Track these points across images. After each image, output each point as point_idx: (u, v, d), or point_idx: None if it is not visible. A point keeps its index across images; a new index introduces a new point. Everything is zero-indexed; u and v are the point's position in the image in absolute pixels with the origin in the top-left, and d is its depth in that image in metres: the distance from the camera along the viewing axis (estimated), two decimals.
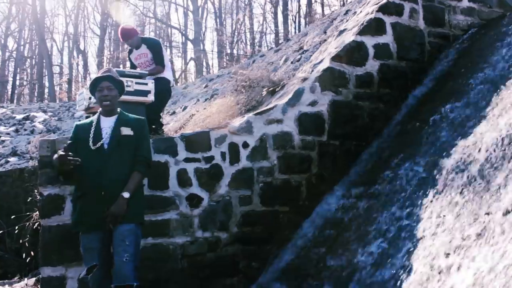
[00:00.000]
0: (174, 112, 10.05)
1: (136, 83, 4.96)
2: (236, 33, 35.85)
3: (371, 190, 4.23)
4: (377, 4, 5.53)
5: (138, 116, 3.72)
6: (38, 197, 4.19)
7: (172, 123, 8.24)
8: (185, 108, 10.19)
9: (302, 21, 31.45)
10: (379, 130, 5.08)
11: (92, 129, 3.43)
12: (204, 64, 33.74)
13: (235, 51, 34.18)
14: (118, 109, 3.60)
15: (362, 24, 5.27)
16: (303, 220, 4.58)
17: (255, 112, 4.68)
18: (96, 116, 3.58)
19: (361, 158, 4.89)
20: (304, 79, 4.98)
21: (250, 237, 4.44)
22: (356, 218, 4.04)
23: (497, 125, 3.50)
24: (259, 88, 6.03)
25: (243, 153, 4.49)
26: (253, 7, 36.35)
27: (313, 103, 4.81)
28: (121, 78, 3.79)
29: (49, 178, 4.01)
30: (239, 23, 35.64)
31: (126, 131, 3.43)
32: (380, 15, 5.33)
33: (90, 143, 3.35)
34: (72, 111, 15.04)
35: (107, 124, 3.48)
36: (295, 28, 31.65)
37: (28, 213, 5.65)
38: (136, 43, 5.66)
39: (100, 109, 3.59)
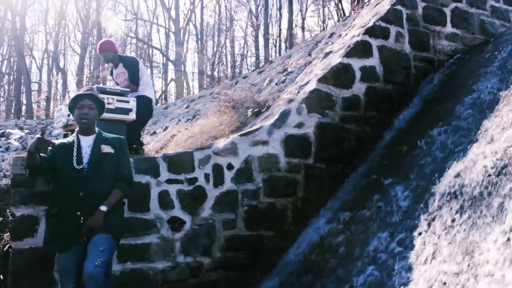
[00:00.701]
0: (154, 132, 9.87)
1: (118, 100, 4.82)
2: (217, 55, 35.96)
3: (359, 215, 4.11)
4: (363, 27, 5.51)
5: (116, 135, 3.67)
6: (10, 217, 3.97)
7: (153, 143, 8.07)
8: (166, 128, 10.02)
9: (283, 45, 31.79)
10: (365, 153, 5.01)
11: (75, 148, 3.37)
12: (185, 85, 33.67)
13: (215, 73, 34.22)
14: (96, 129, 3.55)
15: (349, 46, 5.23)
16: (288, 245, 4.44)
17: (240, 133, 4.56)
18: (74, 135, 3.51)
19: (348, 182, 4.79)
20: (290, 101, 4.90)
21: (233, 263, 4.27)
22: (345, 244, 3.91)
23: (489, 151, 3.44)
24: (243, 109, 5.93)
25: (228, 175, 4.36)
26: (234, 30, 36.61)
27: (299, 125, 4.71)
28: (103, 95, 3.73)
29: (23, 197, 3.79)
30: (220, 46, 35.78)
31: (106, 149, 3.40)
32: (366, 37, 5.31)
33: (74, 163, 3.29)
34: (50, 128, 14.70)
35: (86, 143, 3.43)
36: (275, 52, 31.90)
37: None
38: (111, 59, 5.57)
39: (77, 128, 3.53)
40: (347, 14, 23.06)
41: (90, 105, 3.44)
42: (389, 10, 5.55)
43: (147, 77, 5.57)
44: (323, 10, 30.09)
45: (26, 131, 14.34)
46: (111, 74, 5.79)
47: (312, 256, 4.16)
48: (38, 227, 3.76)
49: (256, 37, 34.29)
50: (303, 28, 30.90)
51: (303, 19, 31.28)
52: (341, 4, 23.82)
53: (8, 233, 5.25)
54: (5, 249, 5.30)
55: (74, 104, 3.48)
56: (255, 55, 34.08)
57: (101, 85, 5.61)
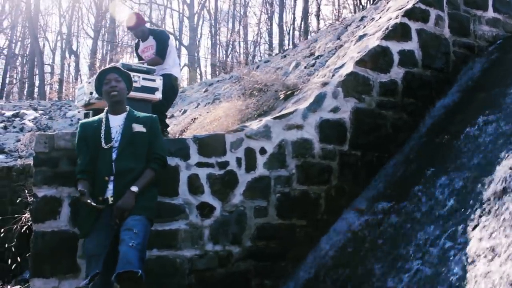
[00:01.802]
0: (172, 116, 9.64)
1: (143, 78, 4.60)
2: (230, 42, 35.62)
3: (399, 206, 3.87)
4: (401, 9, 5.22)
5: (148, 114, 3.51)
6: (31, 198, 3.78)
7: (172, 126, 7.84)
8: (184, 111, 9.78)
9: (297, 33, 31.37)
10: (402, 142, 4.75)
11: (103, 126, 3.22)
12: (198, 70, 33.42)
13: (229, 60, 33.91)
14: (127, 107, 3.38)
15: (387, 28, 4.94)
16: (321, 236, 4.21)
17: (273, 116, 4.31)
18: (103, 114, 3.36)
19: (384, 171, 4.53)
20: (324, 84, 4.63)
21: (264, 252, 4.05)
22: (385, 236, 3.67)
23: None
24: (271, 92, 5.67)
25: (260, 159, 4.11)
26: (248, 17, 36.23)
27: (335, 110, 4.45)
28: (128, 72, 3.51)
29: (46, 177, 3.60)
30: (234, 32, 35.42)
31: (138, 127, 3.23)
32: (405, 20, 5.01)
33: (102, 142, 3.15)
34: (64, 110, 14.55)
35: (116, 122, 3.27)
36: (288, 40, 31.52)
37: (15, 215, 5.24)
38: (141, 34, 5.29)
39: (107, 108, 3.38)
40: (363, 3, 22.70)
41: (116, 78, 3.30)
42: None
43: (175, 55, 5.31)
44: None
45: (40, 112, 14.21)
46: (136, 48, 5.52)
47: (348, 248, 3.92)
48: (61, 209, 3.57)
49: (270, 24, 33.94)
50: (317, 16, 30.50)
51: (318, 7, 30.85)
52: None
53: (26, 215, 5.10)
54: (22, 230, 5.15)
55: (100, 81, 3.35)
56: (268, 42, 33.74)
57: (126, 61, 5.39)
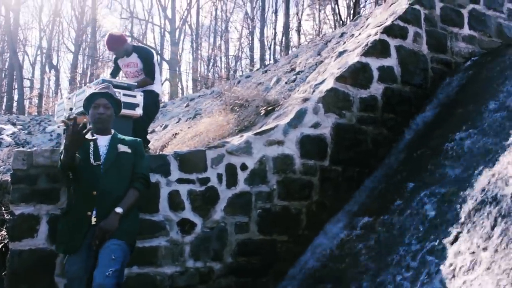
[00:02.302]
0: (153, 131, 9.58)
1: (124, 94, 4.56)
2: (212, 57, 35.73)
3: (380, 220, 3.89)
4: (380, 26, 5.31)
5: (133, 138, 3.50)
6: (7, 216, 3.70)
7: (152, 141, 7.79)
8: (165, 126, 9.73)
9: (278, 48, 31.65)
10: (382, 157, 4.79)
11: (92, 144, 3.14)
12: (179, 85, 33.39)
13: (210, 75, 33.99)
14: (112, 130, 3.36)
15: (366, 45, 5.02)
16: (302, 251, 4.21)
17: (254, 132, 4.32)
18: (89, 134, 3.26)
19: (364, 186, 4.57)
20: (305, 100, 4.67)
21: (245, 268, 4.03)
22: (366, 251, 3.68)
23: None
24: (252, 107, 5.69)
25: (241, 175, 4.11)
26: (229, 32, 36.44)
27: (316, 125, 4.48)
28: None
29: (23, 195, 3.52)
30: (215, 47, 35.56)
31: (123, 148, 3.22)
32: (384, 36, 5.10)
33: (91, 158, 3.10)
34: (43, 125, 14.36)
35: (102, 142, 3.22)
36: (269, 55, 31.79)
37: None
38: (124, 53, 5.25)
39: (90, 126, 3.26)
40: (343, 19, 23.03)
41: (106, 105, 3.25)
42: (407, 9, 5.35)
43: (157, 72, 5.30)
44: (319, 14, 30.09)
45: (19, 127, 14.00)
46: (116, 58, 5.46)
47: (329, 263, 3.93)
48: (39, 227, 3.50)
49: (252, 39, 34.19)
50: (298, 31, 30.85)
51: (299, 23, 31.22)
52: (338, 9, 23.80)
53: (2, 232, 4.99)
54: None
55: (89, 103, 3.29)
56: (249, 57, 33.96)
57: (107, 77, 5.34)
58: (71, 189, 3.14)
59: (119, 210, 2.99)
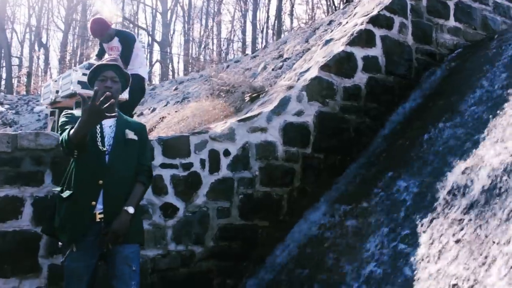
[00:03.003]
0: (141, 114, 9.60)
1: None
2: (204, 39, 35.55)
3: (358, 208, 3.99)
4: (366, 15, 5.35)
5: (137, 121, 3.30)
6: None
7: None
8: (153, 110, 9.75)
9: (270, 31, 31.58)
10: (364, 145, 4.89)
11: (98, 125, 2.81)
12: (170, 67, 33.22)
13: (201, 57, 33.85)
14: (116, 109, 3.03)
15: (352, 34, 5.07)
16: (283, 237, 4.30)
17: (238, 119, 4.38)
18: None
19: (346, 174, 4.66)
20: (290, 87, 4.73)
21: (226, 252, 4.12)
22: (343, 238, 3.79)
23: (498, 148, 3.33)
24: (238, 93, 5.74)
25: (224, 161, 4.18)
26: (222, 14, 36.22)
27: (299, 113, 4.55)
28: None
29: (8, 177, 3.55)
30: (207, 29, 35.37)
31: (131, 134, 2.94)
32: (370, 26, 5.15)
33: (99, 143, 2.80)
34: (32, 105, 14.29)
35: (107, 121, 2.89)
36: (261, 38, 31.71)
37: None
38: (108, 38, 5.25)
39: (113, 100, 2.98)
40: (336, 4, 23.00)
41: (114, 78, 2.94)
42: None
43: (142, 55, 5.31)
44: None
45: (7, 106, 13.92)
46: (101, 44, 5.46)
47: (307, 249, 4.03)
48: (23, 209, 3.54)
49: (244, 22, 34.05)
50: (291, 15, 30.76)
51: (292, 6, 31.09)
52: None
53: None
54: None
55: (94, 75, 2.97)
56: (241, 40, 33.85)
57: (91, 60, 5.31)
58: (71, 172, 2.84)
59: (131, 210, 2.76)
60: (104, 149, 2.81)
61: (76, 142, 2.57)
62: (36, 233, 3.50)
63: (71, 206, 2.76)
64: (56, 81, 5.06)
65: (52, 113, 5.34)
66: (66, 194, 2.79)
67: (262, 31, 32.76)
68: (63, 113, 2.98)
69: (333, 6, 22.79)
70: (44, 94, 5.28)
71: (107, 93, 2.52)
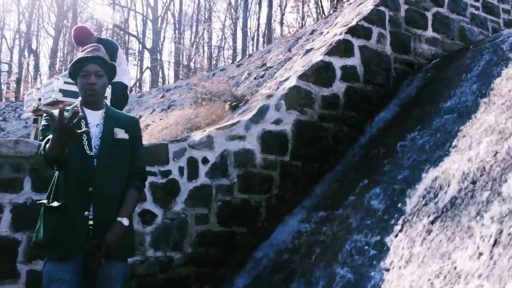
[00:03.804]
0: None
1: None
2: (194, 46, 35.66)
3: (334, 215, 4.08)
4: (346, 26, 5.47)
5: (129, 115, 2.96)
6: None
7: None
8: (140, 117, 9.81)
9: (261, 39, 31.78)
10: (342, 153, 4.98)
11: (83, 127, 2.48)
12: (160, 74, 33.28)
13: (192, 64, 33.96)
14: (104, 101, 2.77)
15: (331, 44, 5.18)
16: (261, 243, 4.37)
17: (217, 127, 4.46)
18: (77, 106, 2.66)
19: (323, 181, 4.75)
20: (269, 96, 4.82)
21: (204, 259, 4.18)
22: (319, 244, 3.87)
23: (467, 157, 3.43)
24: (221, 102, 5.82)
25: (202, 169, 4.25)
26: (212, 22, 36.38)
27: (277, 121, 4.64)
28: (72, 84, 3.31)
29: None
30: (198, 37, 35.50)
31: (120, 133, 2.64)
32: (349, 37, 5.27)
33: (85, 147, 2.52)
34: (19, 112, 14.28)
35: (93, 119, 2.63)
36: (253, 46, 31.88)
37: None
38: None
39: (79, 99, 2.73)
40: (326, 12, 23.22)
41: (98, 72, 2.60)
42: (372, 10, 5.53)
43: (125, 64, 5.38)
44: (303, 7, 30.24)
45: None
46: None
47: (285, 255, 4.10)
48: (2, 215, 3.59)
49: (235, 30, 34.21)
50: (281, 24, 31.00)
51: (282, 15, 31.36)
52: (321, 2, 23.97)
53: None
54: None
55: (76, 70, 2.63)
56: (232, 48, 34.00)
57: None
58: (58, 180, 2.55)
59: (126, 222, 2.52)
60: (92, 153, 2.53)
61: (53, 158, 2.28)
62: (15, 239, 3.56)
63: (61, 217, 2.45)
64: (38, 89, 5.13)
65: (35, 121, 5.39)
66: (55, 204, 2.48)
67: (252, 39, 32.96)
68: (43, 115, 2.63)
69: (323, 14, 23.02)
70: (27, 102, 5.34)
71: (75, 109, 2.19)
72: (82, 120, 2.52)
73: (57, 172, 2.54)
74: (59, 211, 2.46)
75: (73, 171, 2.47)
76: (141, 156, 2.77)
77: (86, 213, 2.47)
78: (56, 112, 2.16)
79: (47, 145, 2.28)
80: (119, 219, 2.51)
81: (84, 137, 2.52)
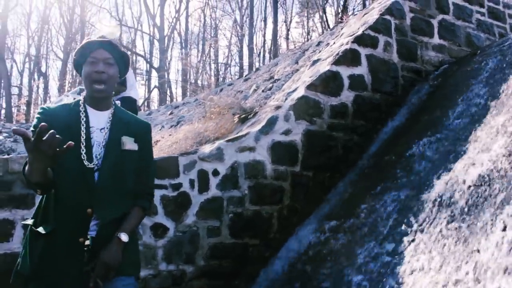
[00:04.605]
0: None
1: None
2: (201, 64, 35.93)
3: (347, 224, 4.04)
4: (352, 35, 5.49)
5: (139, 118, 2.44)
6: None
7: None
8: None
9: (267, 55, 31.97)
10: (353, 162, 4.95)
11: (83, 131, 2.10)
12: (168, 93, 33.50)
13: (199, 82, 34.18)
14: (113, 101, 2.28)
15: (338, 54, 5.19)
16: (274, 254, 4.34)
17: (226, 139, 4.46)
18: (78, 104, 2.19)
19: (335, 191, 4.72)
20: (278, 107, 4.83)
21: (217, 271, 4.15)
22: (332, 253, 3.83)
23: (478, 162, 3.40)
24: (229, 115, 5.84)
25: (213, 181, 4.25)
26: (218, 39, 36.67)
27: (287, 132, 4.64)
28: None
29: None
30: (204, 54, 35.78)
31: (129, 143, 2.18)
32: (355, 46, 5.28)
33: (84, 158, 2.06)
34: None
35: (97, 122, 2.17)
36: (259, 62, 32.05)
37: None
38: None
39: (83, 95, 2.24)
40: (331, 26, 23.35)
41: (107, 59, 2.15)
42: (378, 19, 5.55)
43: (132, 78, 5.42)
44: (308, 22, 30.41)
45: (5, 134, 14.01)
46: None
47: (298, 266, 4.06)
48: (14, 231, 3.62)
49: (241, 46, 34.45)
50: (287, 39, 31.18)
51: (288, 30, 31.57)
52: (326, 17, 24.10)
53: None
54: None
55: (82, 57, 2.17)
56: (239, 64, 34.20)
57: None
58: (48, 197, 2.08)
59: (124, 237, 2.08)
60: (92, 165, 2.06)
61: (35, 182, 1.87)
62: None
63: (51, 244, 2.01)
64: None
65: None
66: (43, 228, 2.02)
67: (259, 55, 33.16)
68: (40, 111, 2.17)
69: (328, 28, 23.14)
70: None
71: (42, 124, 1.65)
72: (83, 124, 2.12)
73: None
74: (49, 237, 2.00)
75: (67, 187, 2.03)
76: (151, 172, 2.33)
77: (81, 239, 2.02)
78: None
79: (26, 166, 1.87)
80: (117, 234, 2.08)
81: (83, 144, 2.07)
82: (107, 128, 2.17)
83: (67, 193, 2.03)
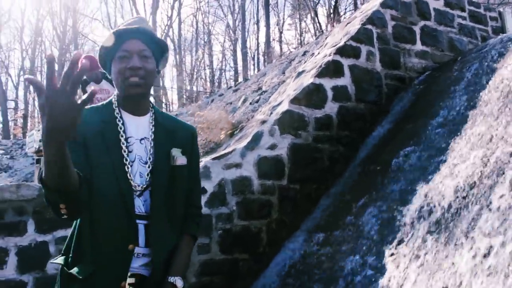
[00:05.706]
0: None
1: None
2: (195, 70, 36.04)
3: (333, 236, 4.13)
4: (334, 46, 5.58)
5: (183, 122, 1.99)
6: None
7: None
8: None
9: (261, 58, 32.12)
10: (339, 173, 5.04)
11: (123, 143, 1.68)
12: (164, 100, 33.58)
13: (194, 88, 34.28)
14: (151, 102, 1.85)
15: (321, 66, 5.28)
16: (263, 268, 4.42)
17: (213, 157, 4.55)
18: (112, 108, 1.77)
19: (322, 202, 4.80)
20: (263, 122, 4.91)
21: (209, 287, 4.24)
22: (319, 266, 3.92)
23: (457, 171, 3.49)
24: (217, 130, 5.93)
25: (201, 199, 4.32)
26: (212, 45, 36.81)
27: (272, 147, 4.72)
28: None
29: None
30: (198, 60, 35.91)
31: (180, 158, 1.76)
32: (338, 57, 5.37)
33: (129, 173, 1.67)
34: (26, 149, 14.48)
35: (136, 130, 1.75)
36: (253, 65, 32.19)
37: None
38: (95, 77, 5.40)
39: (115, 95, 1.81)
40: (323, 27, 23.47)
41: (143, 51, 1.70)
42: (360, 29, 5.63)
43: None
44: (300, 24, 30.55)
45: (1, 151, 14.11)
46: (85, 85, 5.57)
47: (288, 280, 4.15)
48: (8, 258, 3.70)
49: (234, 51, 34.58)
50: (280, 41, 31.30)
51: (281, 32, 31.70)
52: (317, 18, 24.22)
53: None
54: None
55: (111, 50, 1.72)
56: (233, 69, 34.34)
57: None
58: (80, 229, 1.64)
59: (180, 283, 1.67)
60: (139, 188, 1.67)
61: (54, 185, 1.35)
62: (22, 281, 3.66)
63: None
64: (39, 130, 5.24)
65: (38, 161, 5.51)
66: (79, 272, 1.58)
67: (253, 59, 33.30)
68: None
69: (321, 30, 23.26)
70: (28, 143, 5.48)
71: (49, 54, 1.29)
72: (121, 134, 1.69)
73: (79, 219, 1.63)
74: (85, 281, 1.57)
75: (105, 217, 1.61)
76: (198, 187, 1.97)
77: (123, 283, 1.62)
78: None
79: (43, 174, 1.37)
80: (171, 279, 1.66)
81: (126, 160, 1.66)
82: (150, 138, 1.75)
83: (104, 224, 1.61)
